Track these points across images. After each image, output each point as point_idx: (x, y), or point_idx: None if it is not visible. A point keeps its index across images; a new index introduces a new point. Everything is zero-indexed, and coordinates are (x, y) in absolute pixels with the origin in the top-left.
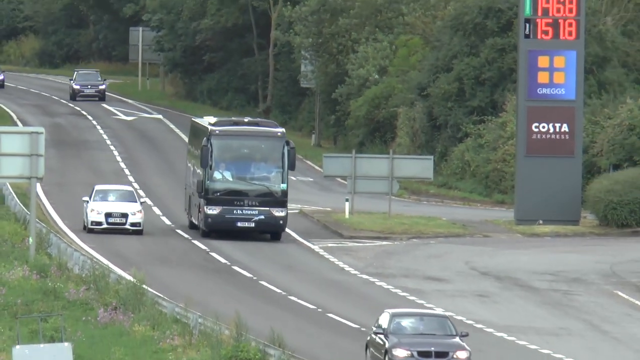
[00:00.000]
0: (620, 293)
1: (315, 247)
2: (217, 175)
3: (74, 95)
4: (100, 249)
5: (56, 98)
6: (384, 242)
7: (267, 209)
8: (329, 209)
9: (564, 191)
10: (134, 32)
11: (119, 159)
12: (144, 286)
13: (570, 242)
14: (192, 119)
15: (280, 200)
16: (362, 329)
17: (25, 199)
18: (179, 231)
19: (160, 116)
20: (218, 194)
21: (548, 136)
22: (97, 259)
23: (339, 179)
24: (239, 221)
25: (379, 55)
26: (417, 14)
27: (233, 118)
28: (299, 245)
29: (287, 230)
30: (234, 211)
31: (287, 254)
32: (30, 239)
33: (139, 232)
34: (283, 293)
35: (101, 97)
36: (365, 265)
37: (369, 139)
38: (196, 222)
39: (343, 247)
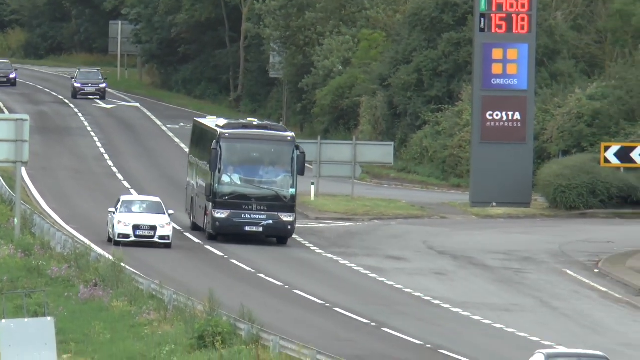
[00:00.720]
0: (568, 271)
1: None
2: (225, 178)
3: (75, 94)
4: (80, 228)
5: (40, 87)
6: (348, 223)
7: (276, 213)
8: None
9: (516, 175)
10: (114, 26)
11: (99, 144)
12: (122, 264)
13: (521, 223)
14: (195, 119)
15: (289, 205)
16: (327, 304)
17: (11, 182)
18: None
19: (137, 104)
20: (226, 197)
21: (501, 124)
22: (78, 238)
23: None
24: (246, 225)
25: (343, 48)
26: (379, 9)
27: (241, 120)
28: None
29: None
30: (242, 215)
31: None
32: (16, 220)
33: (167, 246)
34: (252, 271)
35: (102, 95)
36: (329, 245)
37: (333, 126)
38: (201, 225)
39: (309, 227)
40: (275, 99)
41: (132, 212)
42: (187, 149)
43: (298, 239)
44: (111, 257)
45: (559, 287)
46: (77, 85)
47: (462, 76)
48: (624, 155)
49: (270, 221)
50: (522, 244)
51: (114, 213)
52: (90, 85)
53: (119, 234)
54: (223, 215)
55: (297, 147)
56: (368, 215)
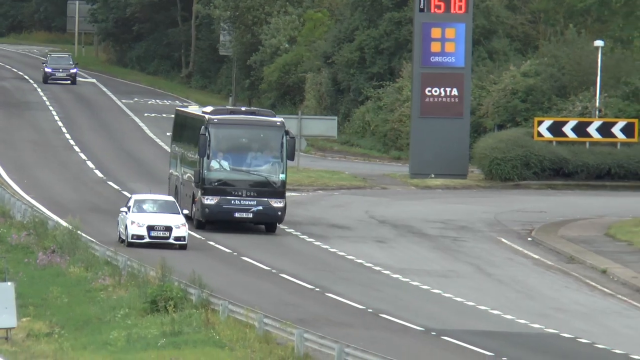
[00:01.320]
0: (503, 239)
1: None
2: (214, 164)
3: (46, 79)
4: (39, 198)
5: (1, 64)
6: (293, 194)
7: (266, 199)
8: None
9: (453, 148)
10: (71, 5)
11: (57, 118)
12: (78, 232)
13: (459, 194)
14: (178, 108)
15: (279, 190)
16: (273, 270)
17: None
18: (110, 183)
19: (94, 80)
20: (215, 183)
21: (440, 99)
22: (37, 207)
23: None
24: (236, 212)
25: (289, 27)
26: None
27: (229, 107)
28: None
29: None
30: (232, 202)
31: None
32: None
33: (183, 247)
34: (203, 239)
35: (72, 80)
36: None
37: (280, 101)
38: (188, 213)
39: None
40: (224, 76)
41: (145, 211)
42: (140, 122)
43: None
44: (68, 225)
45: (494, 255)
46: (48, 70)
47: (402, 54)
48: (555, 129)
49: (260, 207)
50: (459, 213)
51: (126, 213)
52: (61, 70)
53: (133, 235)
54: (212, 202)
55: (287, 132)
56: (312, 186)
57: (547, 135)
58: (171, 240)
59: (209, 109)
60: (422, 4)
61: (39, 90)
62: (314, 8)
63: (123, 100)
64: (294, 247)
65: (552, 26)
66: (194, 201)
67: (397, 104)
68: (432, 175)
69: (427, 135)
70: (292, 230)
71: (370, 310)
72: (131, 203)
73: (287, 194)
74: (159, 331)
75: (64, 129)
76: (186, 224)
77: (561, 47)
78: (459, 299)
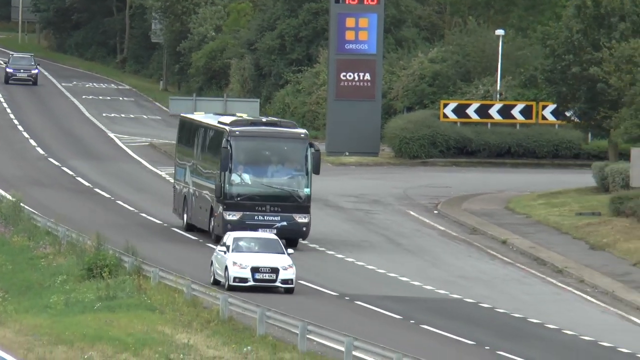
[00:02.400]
0: (411, 212)
1: (162, 173)
2: (236, 178)
3: (7, 79)
4: None
5: None
6: None
7: (290, 214)
8: (173, 142)
9: (366, 128)
10: None
11: (2, 100)
12: (21, 204)
13: (371, 170)
14: (183, 114)
15: (304, 205)
16: (200, 240)
17: None
18: (50, 159)
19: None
20: (238, 198)
21: (354, 83)
22: None
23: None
24: (260, 227)
25: (216, 17)
26: None
27: (248, 117)
28: (148, 171)
29: (137, 158)
30: (255, 217)
31: (139, 178)
32: None
33: (290, 291)
34: (136, 211)
35: (34, 81)
36: None
37: (207, 85)
38: (202, 227)
39: None
40: (156, 61)
41: (247, 251)
42: (78, 104)
43: None
44: (12, 198)
45: (403, 226)
46: (9, 70)
47: (319, 41)
48: (460, 111)
49: (284, 223)
50: (371, 188)
51: (225, 252)
52: (22, 70)
53: (235, 278)
54: (235, 217)
55: (312, 145)
56: None
57: (452, 116)
58: (278, 284)
59: (226, 118)
60: None
61: None
62: (238, 0)
63: (63, 84)
64: None
65: (458, 16)
66: (212, 215)
67: (315, 88)
68: (347, 153)
69: (342, 116)
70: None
71: None
72: (229, 241)
73: None
74: (95, 296)
75: (8, 110)
76: (294, 266)
77: (465, 35)
78: (371, 267)
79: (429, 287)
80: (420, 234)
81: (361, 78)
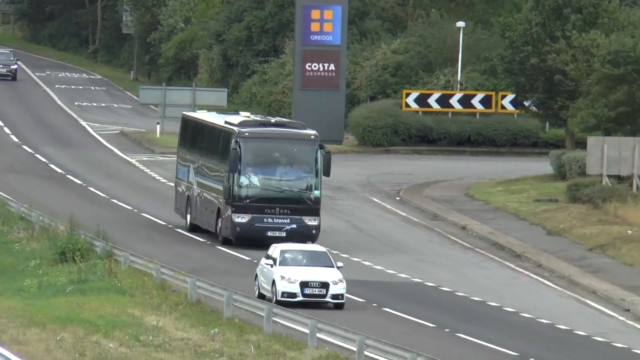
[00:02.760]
0: (374, 199)
1: (133, 160)
2: (245, 180)
3: None
4: None
5: None
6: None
7: (299, 217)
8: (143, 130)
9: (330, 117)
10: None
11: None
12: None
13: (335, 158)
14: (185, 113)
15: (314, 208)
16: (169, 225)
17: None
18: (24, 147)
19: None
20: (247, 201)
21: (318, 74)
22: None
23: (152, 106)
24: (269, 230)
25: (185, 8)
26: None
27: (255, 117)
28: (119, 158)
29: (108, 145)
30: (264, 220)
31: (111, 165)
32: None
33: (340, 307)
34: (107, 197)
35: (13, 77)
36: (172, 175)
37: (176, 75)
38: (208, 228)
39: (154, 160)
40: (127, 52)
41: (295, 264)
42: (51, 93)
43: (145, 170)
44: None
45: (366, 212)
46: None
47: (285, 33)
48: (421, 100)
49: (294, 225)
50: (335, 175)
51: (271, 265)
52: (1, 66)
53: (284, 293)
54: (244, 220)
55: (322, 147)
56: None
57: (414, 105)
58: (328, 299)
59: (233, 118)
60: None
61: None
62: None
63: (37, 74)
64: None
65: (420, 9)
66: (219, 217)
67: (281, 78)
68: None
69: (307, 105)
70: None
71: (255, 261)
72: (275, 254)
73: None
74: (67, 279)
75: None
76: (344, 280)
77: (427, 27)
78: (335, 252)
79: (391, 271)
80: (382, 219)
81: (326, 68)
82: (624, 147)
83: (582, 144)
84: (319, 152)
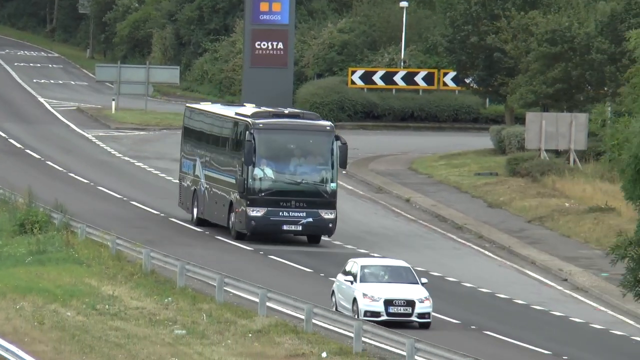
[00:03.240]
0: None
1: (89, 136)
2: (260, 173)
3: None
4: None
5: None
6: (142, 132)
7: (316, 210)
8: (99, 106)
9: (279, 94)
10: None
11: None
12: None
13: None
14: (189, 105)
15: (330, 201)
16: (124, 198)
17: None
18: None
19: None
20: (262, 194)
21: (267, 52)
22: None
23: (107, 83)
24: (285, 224)
25: None
26: None
27: (268, 109)
28: (76, 134)
29: (66, 121)
30: (280, 213)
31: (68, 140)
32: None
33: (426, 326)
34: (64, 171)
35: None
36: (127, 150)
37: (130, 53)
38: (220, 222)
39: (110, 135)
40: (83, 31)
41: (377, 281)
42: (11, 71)
43: (101, 145)
44: None
45: None
46: None
47: (235, 12)
48: (367, 78)
49: (310, 219)
50: None
51: (351, 282)
52: None
53: (367, 312)
54: (259, 214)
55: (338, 138)
56: (158, 125)
57: (360, 83)
58: (414, 318)
59: (244, 110)
60: None
61: None
62: None
63: None
64: (142, 178)
65: None
66: (231, 210)
67: (231, 56)
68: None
69: (257, 82)
70: (141, 164)
71: (207, 233)
72: (355, 269)
73: (136, 132)
74: (27, 250)
75: None
76: (430, 298)
77: (372, 7)
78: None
79: (337, 242)
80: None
81: (274, 47)
82: (561, 123)
83: (521, 120)
84: (334, 143)
